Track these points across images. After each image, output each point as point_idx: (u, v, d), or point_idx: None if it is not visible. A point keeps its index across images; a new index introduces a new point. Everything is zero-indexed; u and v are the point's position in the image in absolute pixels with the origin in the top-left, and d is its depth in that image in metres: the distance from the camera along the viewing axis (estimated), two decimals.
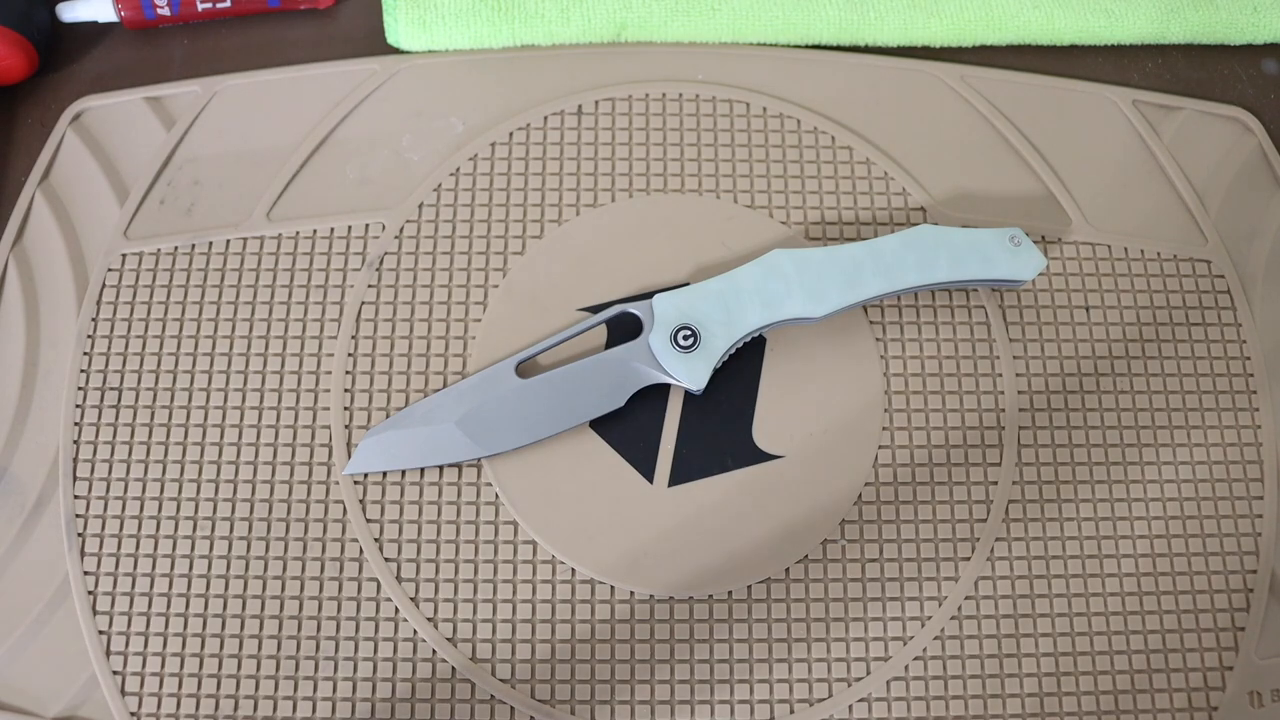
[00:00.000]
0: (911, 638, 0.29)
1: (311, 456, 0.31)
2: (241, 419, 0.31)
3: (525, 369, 0.31)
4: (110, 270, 0.33)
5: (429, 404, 0.30)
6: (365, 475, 0.30)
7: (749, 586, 0.29)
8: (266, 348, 0.32)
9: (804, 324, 0.31)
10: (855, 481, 0.30)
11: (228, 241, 0.33)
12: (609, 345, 0.31)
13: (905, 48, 0.36)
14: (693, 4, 0.35)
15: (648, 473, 0.30)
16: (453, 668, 0.29)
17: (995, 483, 0.30)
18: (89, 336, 0.32)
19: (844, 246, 0.30)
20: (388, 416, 0.31)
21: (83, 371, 0.32)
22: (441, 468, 0.30)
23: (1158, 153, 0.35)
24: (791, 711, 0.28)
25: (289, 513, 0.30)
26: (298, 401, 0.31)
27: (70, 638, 0.29)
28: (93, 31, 0.36)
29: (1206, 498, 0.31)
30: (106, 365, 0.32)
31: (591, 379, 0.30)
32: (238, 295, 0.32)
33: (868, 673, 0.29)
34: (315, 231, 0.33)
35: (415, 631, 0.29)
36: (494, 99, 0.35)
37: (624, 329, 0.31)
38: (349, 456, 0.30)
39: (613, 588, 0.29)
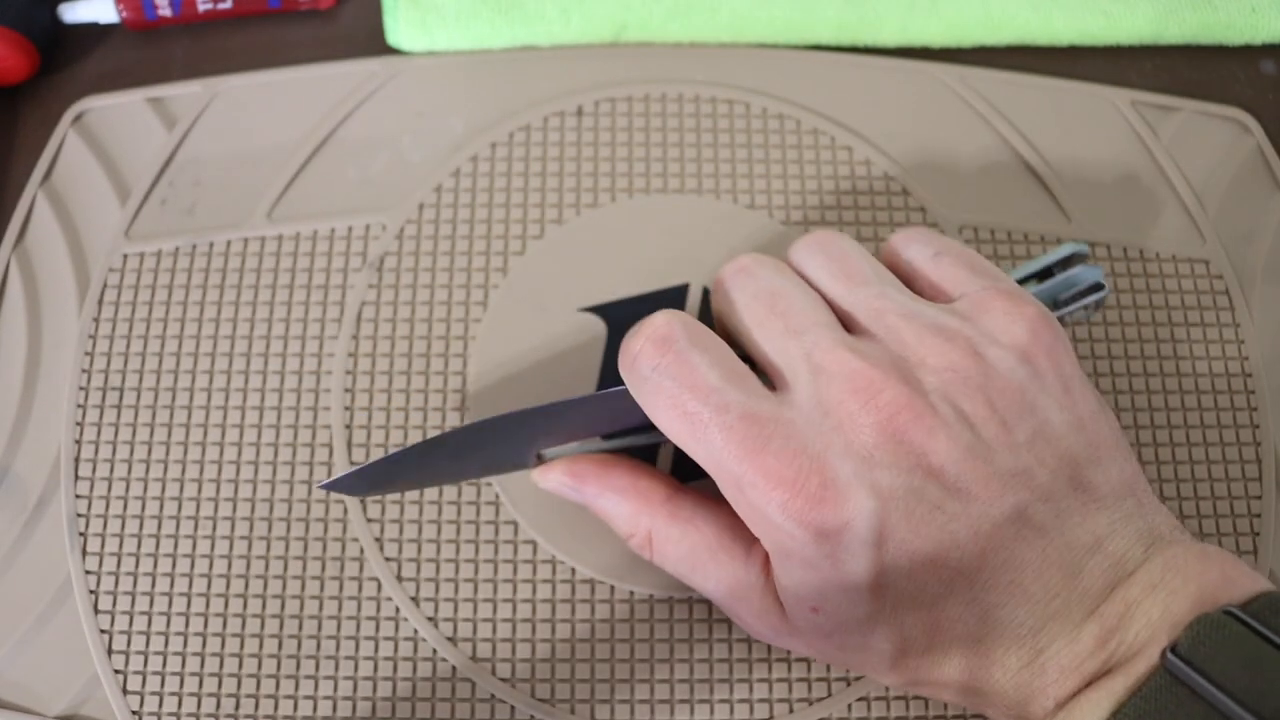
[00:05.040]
0: None
1: (312, 456, 0.31)
2: (242, 419, 0.31)
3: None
4: (112, 270, 0.33)
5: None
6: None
7: None
8: (267, 348, 0.32)
9: None
10: None
11: (229, 242, 0.33)
12: (608, 347, 0.32)
13: (904, 48, 0.36)
14: (693, 5, 0.35)
15: None
16: (453, 667, 0.29)
17: None
18: (90, 336, 0.32)
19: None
20: (388, 417, 0.31)
21: (84, 371, 0.32)
22: None
23: (1156, 153, 0.35)
24: (791, 710, 0.28)
25: (290, 512, 0.30)
26: (298, 401, 0.31)
27: (72, 637, 0.29)
28: (94, 32, 0.37)
29: (1205, 497, 0.31)
30: (108, 365, 0.32)
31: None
32: (239, 295, 0.32)
33: None
34: (316, 232, 0.33)
35: (415, 631, 0.29)
36: (494, 99, 0.35)
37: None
38: (350, 458, 0.31)
39: (613, 587, 0.29)
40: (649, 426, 0.25)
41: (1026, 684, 0.23)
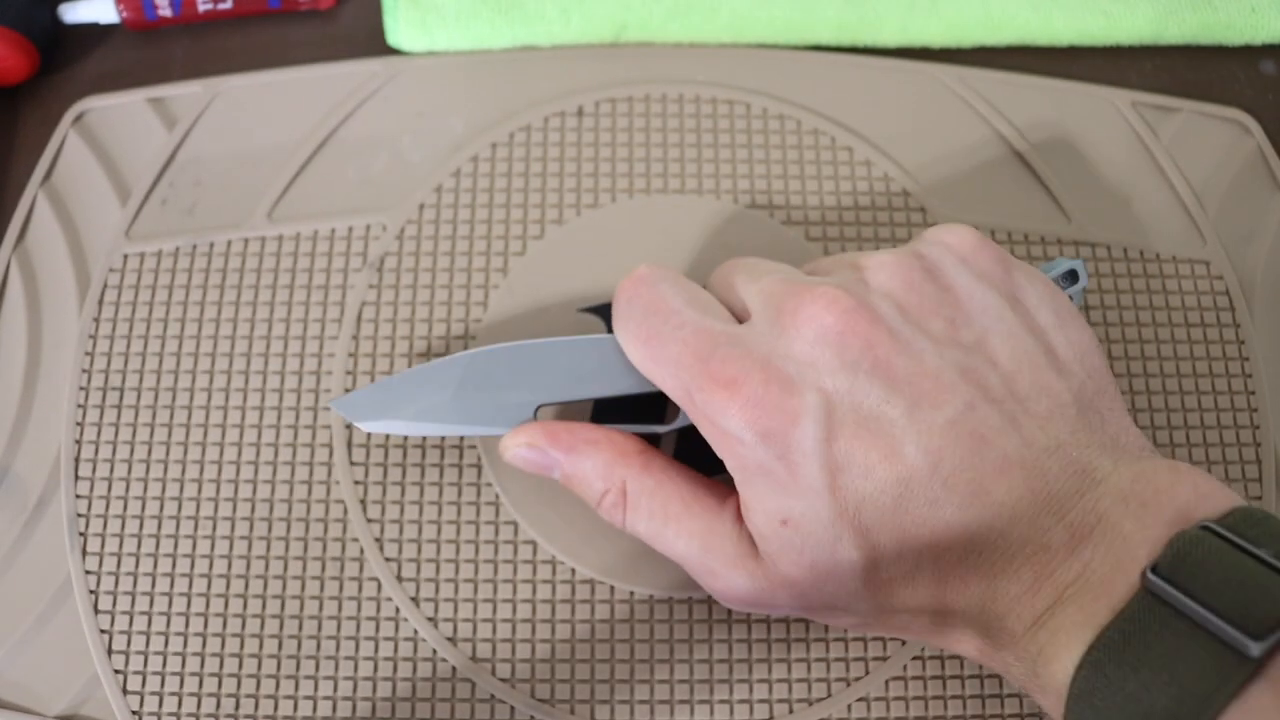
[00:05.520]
0: None
1: (312, 456, 0.31)
2: (242, 419, 0.31)
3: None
4: (112, 270, 0.33)
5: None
6: (366, 475, 0.30)
7: None
8: (267, 348, 0.32)
9: None
10: None
11: (229, 242, 0.33)
12: None
13: (904, 49, 0.36)
14: (693, 5, 0.35)
15: None
16: (453, 667, 0.29)
17: None
18: (90, 336, 0.32)
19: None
20: None
21: (84, 371, 0.32)
22: (441, 467, 0.30)
23: (1156, 154, 0.35)
24: (790, 711, 0.28)
25: (290, 513, 0.30)
26: (298, 401, 0.31)
27: (72, 637, 0.29)
28: (94, 32, 0.37)
29: None
30: (108, 365, 0.32)
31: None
32: (239, 295, 0.32)
33: (866, 672, 0.29)
34: (316, 232, 0.33)
35: (415, 631, 0.29)
36: (494, 99, 0.35)
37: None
38: (350, 458, 0.31)
39: (613, 587, 0.29)
40: (647, 408, 0.26)
41: (1002, 592, 0.22)
